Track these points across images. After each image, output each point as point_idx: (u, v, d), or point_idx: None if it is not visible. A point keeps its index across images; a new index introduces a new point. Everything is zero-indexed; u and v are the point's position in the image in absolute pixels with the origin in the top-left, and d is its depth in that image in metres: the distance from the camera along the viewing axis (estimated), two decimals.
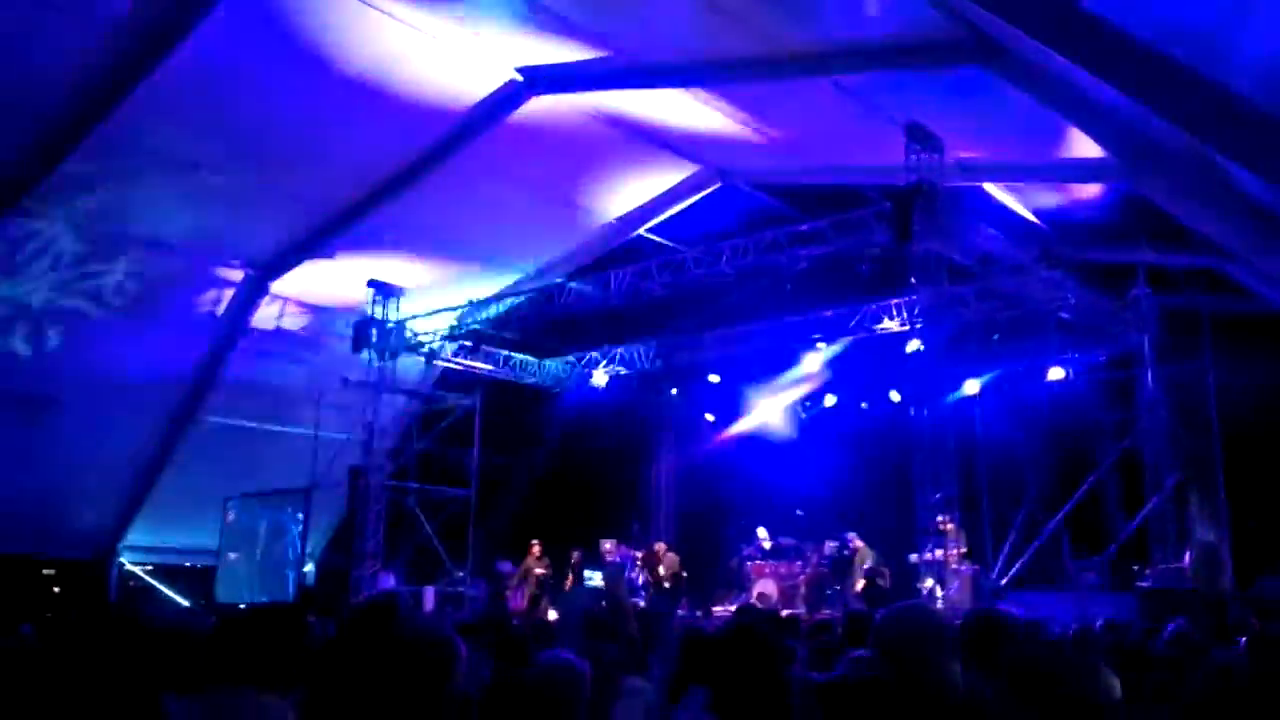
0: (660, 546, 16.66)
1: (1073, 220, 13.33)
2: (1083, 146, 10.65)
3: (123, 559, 17.50)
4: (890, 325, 14.24)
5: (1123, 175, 10.95)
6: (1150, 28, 5.90)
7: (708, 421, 19.67)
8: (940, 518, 11.69)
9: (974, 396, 13.38)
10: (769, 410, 18.86)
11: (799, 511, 16.88)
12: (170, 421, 16.41)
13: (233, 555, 17.21)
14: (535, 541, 16.16)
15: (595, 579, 16.31)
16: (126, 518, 17.17)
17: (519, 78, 12.26)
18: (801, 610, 14.89)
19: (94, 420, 15.49)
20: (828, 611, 14.48)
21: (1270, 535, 12.84)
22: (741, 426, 19.28)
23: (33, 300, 14.22)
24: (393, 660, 1.95)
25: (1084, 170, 11.67)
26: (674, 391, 18.89)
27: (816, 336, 15.31)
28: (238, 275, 15.40)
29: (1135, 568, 13.68)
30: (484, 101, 12.63)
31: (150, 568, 17.97)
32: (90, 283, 14.35)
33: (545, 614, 15.40)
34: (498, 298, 15.72)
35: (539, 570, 16.05)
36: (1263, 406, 13.03)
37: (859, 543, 14.81)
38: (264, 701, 2.78)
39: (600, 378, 17.66)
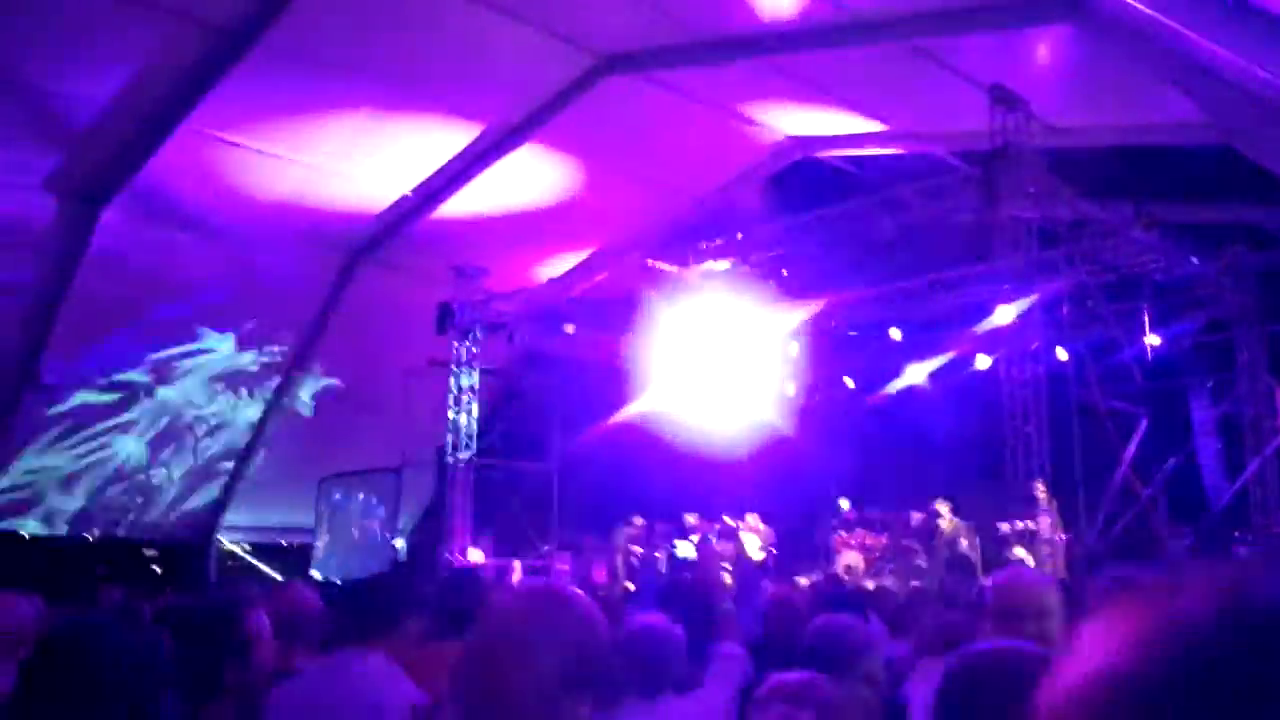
0: (752, 517, 16.63)
1: (1160, 177, 12.96)
2: (1175, 104, 10.35)
3: (220, 537, 18.09)
4: (979, 292, 13.99)
5: (1219, 134, 10.61)
6: None
7: (788, 394, 19.51)
8: (1033, 483, 11.51)
9: (1064, 361, 13.09)
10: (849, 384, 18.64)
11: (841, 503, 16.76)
12: (267, 403, 16.90)
13: (328, 533, 17.69)
14: (638, 518, 16.33)
15: (683, 549, 16.42)
16: (225, 499, 17.75)
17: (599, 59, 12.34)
18: (889, 582, 14.80)
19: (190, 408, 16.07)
20: (915, 583, 14.39)
21: None
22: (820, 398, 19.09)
23: None
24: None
25: (1178, 130, 11.33)
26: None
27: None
28: (328, 257, 15.77)
29: (1236, 534, 13.33)
30: (562, 81, 12.71)
31: (249, 547, 18.56)
32: None
33: (624, 587, 15.57)
34: (579, 274, 15.82)
35: (631, 546, 16.19)
36: None
37: (946, 512, 14.57)
38: (372, 660, 3.15)
39: None
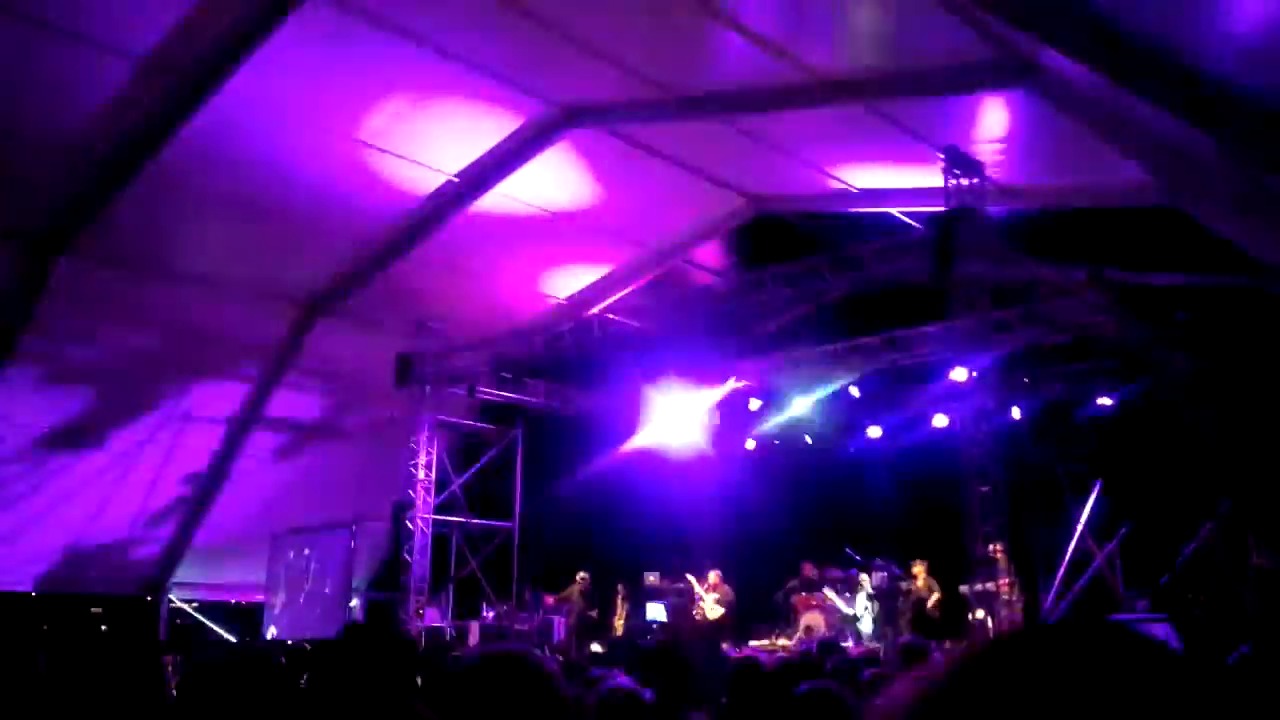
0: (714, 575, 16.49)
1: (1112, 242, 13.17)
2: (1123, 168, 10.53)
3: (171, 595, 17.68)
4: (934, 351, 14.14)
5: (1164, 196, 10.80)
6: (1189, 42, 5.83)
7: (747, 450, 19.51)
8: (991, 546, 11.48)
9: (1019, 423, 13.19)
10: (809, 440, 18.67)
11: (847, 549, 16.68)
12: (217, 460, 16.61)
13: (281, 591, 17.33)
14: (583, 574, 16.06)
15: (652, 610, 16.24)
16: (176, 554, 17.36)
17: (557, 111, 12.44)
18: (850, 644, 14.69)
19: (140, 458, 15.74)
20: (876, 644, 14.29)
21: None
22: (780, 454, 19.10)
23: None
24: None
25: (1125, 193, 11.52)
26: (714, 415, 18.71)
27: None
28: (285, 312, 15.63)
29: (1189, 596, 13.35)
30: (520, 133, 12.79)
31: (196, 604, 18.13)
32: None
33: (588, 647, 15.35)
34: (539, 328, 15.77)
35: (579, 602, 15.97)
36: None
37: (921, 572, 14.40)
38: None
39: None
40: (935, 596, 13.60)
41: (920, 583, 14.18)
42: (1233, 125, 6.45)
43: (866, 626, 15.30)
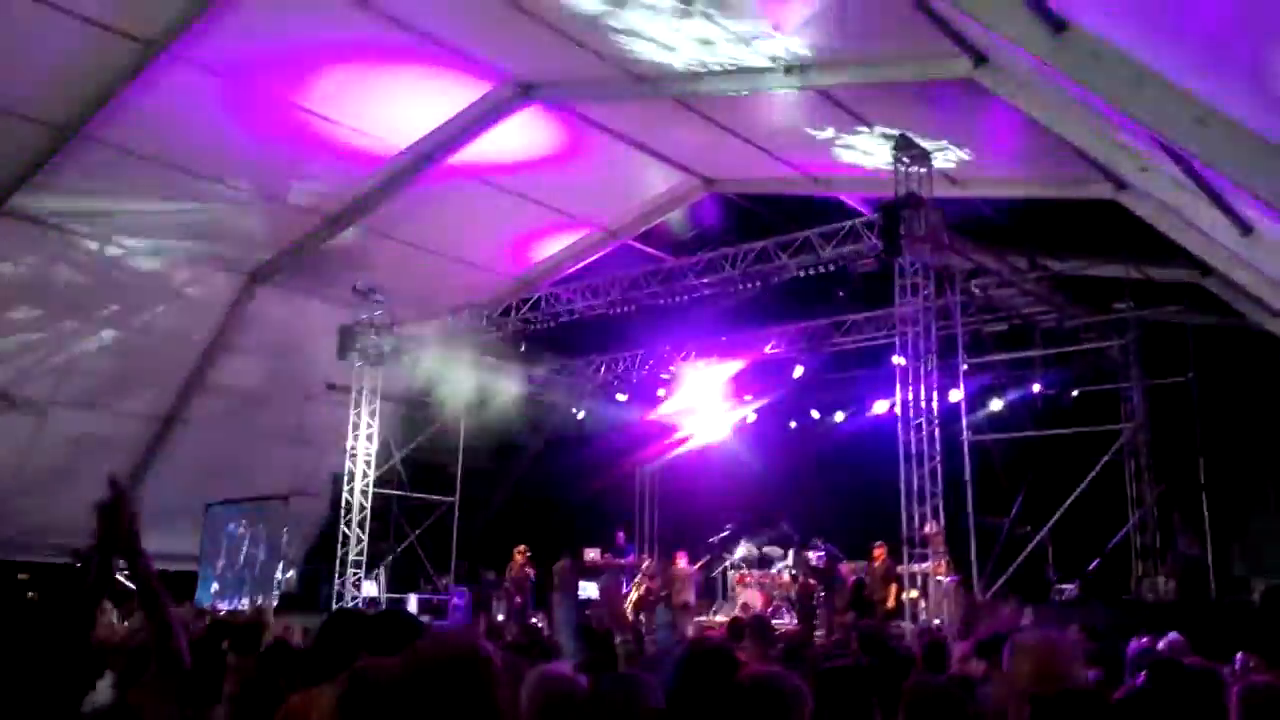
0: (681, 559, 16.46)
1: (1054, 232, 13.44)
2: (1067, 159, 10.73)
3: None
4: (875, 336, 14.34)
5: (1106, 188, 11.03)
6: (1135, 37, 5.95)
7: (691, 431, 19.64)
8: (926, 529, 11.68)
9: (957, 407, 13.38)
10: (750, 418, 18.83)
11: (728, 526, 16.95)
12: (154, 426, 16.29)
13: (213, 562, 17.10)
14: (521, 546, 15.95)
15: (586, 588, 16.23)
16: None
17: (512, 86, 12.35)
18: (786, 619, 14.85)
19: (77, 425, 15.38)
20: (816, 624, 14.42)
21: (1251, 547, 12.90)
22: (723, 435, 19.27)
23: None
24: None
25: (1069, 182, 11.74)
26: (660, 393, 18.76)
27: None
28: (227, 279, 15.35)
29: (1118, 581, 13.73)
30: (474, 108, 12.68)
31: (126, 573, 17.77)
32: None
33: (532, 621, 15.31)
34: (487, 303, 15.66)
35: (524, 575, 15.85)
36: (1244, 420, 13.12)
37: (881, 555, 14.23)
38: None
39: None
40: (893, 587, 13.42)
41: (878, 565, 14.05)
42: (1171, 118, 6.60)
43: None
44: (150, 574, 2.66)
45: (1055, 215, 12.79)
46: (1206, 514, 13.42)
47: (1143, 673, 4.31)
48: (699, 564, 16.86)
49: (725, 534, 17.03)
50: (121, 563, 2.71)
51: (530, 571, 15.78)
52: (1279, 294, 10.21)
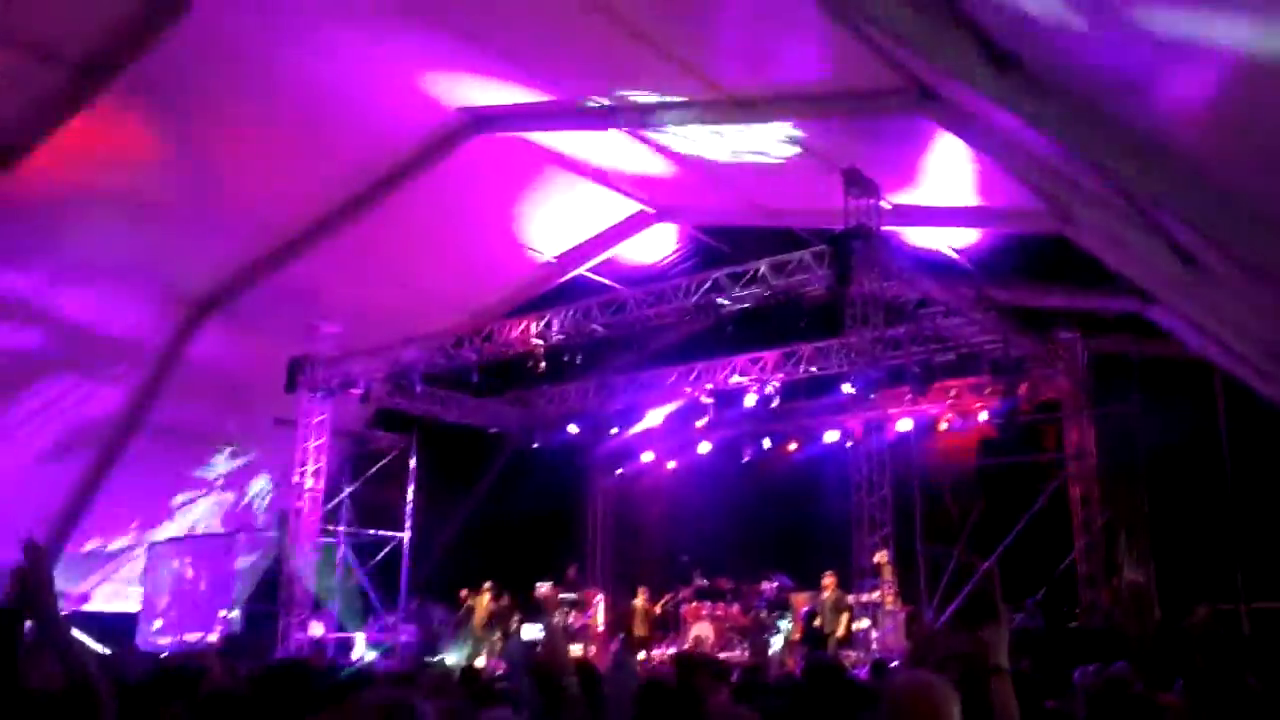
0: (641, 594, 16.37)
1: (1001, 264, 13.68)
2: (1013, 193, 10.93)
3: None
4: (826, 366, 14.44)
5: (1052, 220, 11.24)
6: (1080, 75, 6.08)
7: (645, 463, 19.61)
8: (876, 558, 11.73)
9: (908, 436, 13.52)
10: (704, 449, 18.84)
11: (684, 558, 16.91)
12: (96, 462, 15.88)
13: (156, 601, 16.67)
14: (488, 584, 15.88)
15: (528, 630, 15.98)
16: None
17: (462, 118, 12.32)
18: (738, 653, 14.77)
19: (14, 459, 14.96)
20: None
21: (1195, 574, 13.11)
22: (676, 466, 19.28)
23: None
24: None
25: (1014, 216, 11.96)
26: (614, 431, 18.75)
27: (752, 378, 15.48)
28: (170, 310, 15.05)
29: (1065, 608, 13.87)
30: (425, 140, 12.63)
31: (66, 614, 17.28)
32: None
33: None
34: (435, 336, 15.53)
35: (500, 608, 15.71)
36: (1187, 448, 13.38)
37: (831, 584, 14.17)
38: None
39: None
40: (845, 617, 13.35)
41: (828, 595, 14.00)
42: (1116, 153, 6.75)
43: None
44: (68, 641, 2.59)
45: (1002, 246, 13.03)
46: (1150, 541, 13.65)
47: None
48: (660, 602, 16.77)
49: (696, 576, 16.81)
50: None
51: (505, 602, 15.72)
52: (1220, 323, 10.45)
